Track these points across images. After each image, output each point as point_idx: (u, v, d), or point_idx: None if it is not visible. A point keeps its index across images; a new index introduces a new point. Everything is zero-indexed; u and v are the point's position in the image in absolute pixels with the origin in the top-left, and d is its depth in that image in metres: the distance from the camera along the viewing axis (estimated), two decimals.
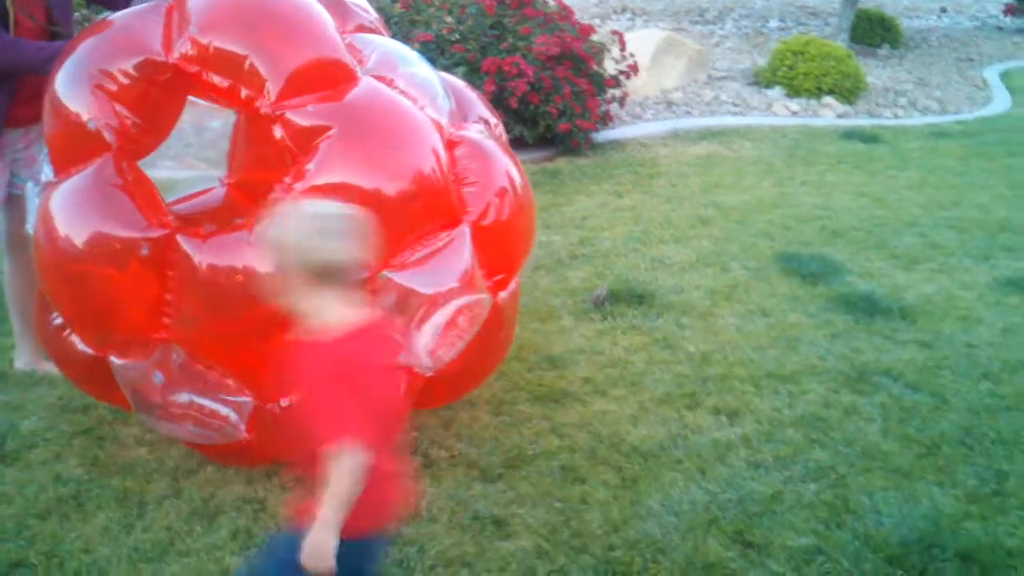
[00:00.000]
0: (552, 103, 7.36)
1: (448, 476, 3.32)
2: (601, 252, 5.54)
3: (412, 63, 3.32)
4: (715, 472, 3.37)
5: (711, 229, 5.97)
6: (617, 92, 8.15)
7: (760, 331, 4.50)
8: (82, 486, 3.25)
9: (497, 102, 7.04)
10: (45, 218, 2.96)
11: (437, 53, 7.31)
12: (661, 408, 3.80)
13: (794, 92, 9.81)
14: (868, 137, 8.55)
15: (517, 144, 7.31)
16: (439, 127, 3.16)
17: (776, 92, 9.89)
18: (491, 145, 3.35)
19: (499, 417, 3.70)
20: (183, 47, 2.95)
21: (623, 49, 8.20)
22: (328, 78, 2.99)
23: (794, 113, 9.45)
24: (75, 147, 3.00)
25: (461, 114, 3.41)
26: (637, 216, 6.20)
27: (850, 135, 8.60)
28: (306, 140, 2.87)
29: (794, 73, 9.83)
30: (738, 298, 4.89)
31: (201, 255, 2.83)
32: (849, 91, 9.77)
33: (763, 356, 4.24)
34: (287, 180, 2.86)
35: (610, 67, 8.04)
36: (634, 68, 8.18)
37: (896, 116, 9.73)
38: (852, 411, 3.78)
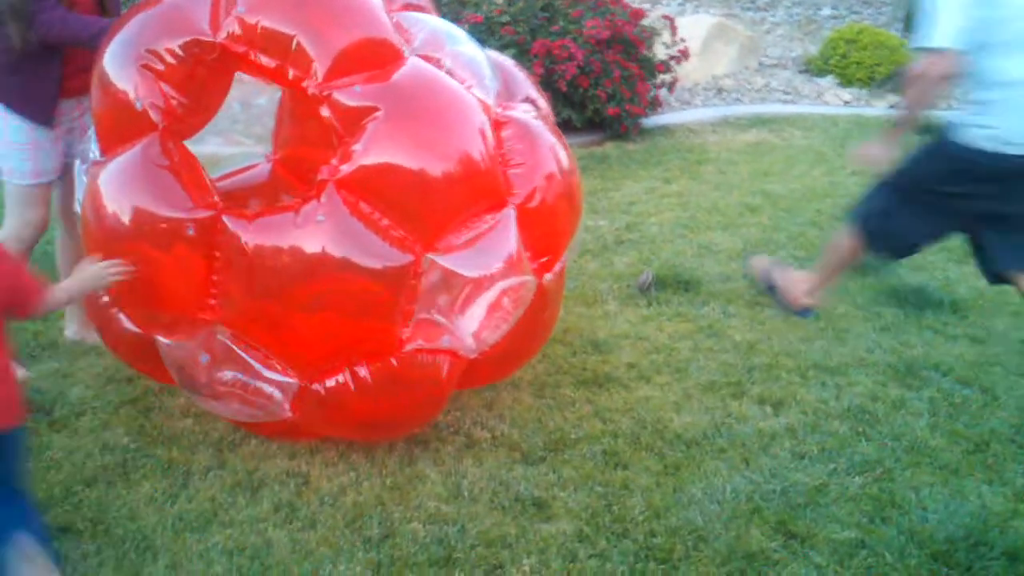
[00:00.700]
0: (601, 87, 7.31)
1: (490, 457, 3.32)
2: (648, 238, 5.51)
3: (459, 42, 3.29)
4: (759, 462, 3.34)
5: (759, 217, 5.91)
6: (667, 77, 8.08)
7: (807, 321, 4.44)
8: (128, 455, 3.28)
9: (546, 85, 7.01)
10: (93, 196, 2.97)
11: (487, 35, 7.28)
12: (705, 396, 3.77)
13: (846, 81, 9.68)
14: (921, 128, 8.39)
15: (565, 128, 7.26)
16: (486, 107, 3.13)
17: (828, 81, 9.77)
18: (538, 125, 3.31)
19: (542, 400, 3.69)
20: (230, 27, 2.94)
21: (674, 34, 8.12)
22: (375, 58, 2.97)
23: (846, 102, 9.33)
24: (122, 125, 3.00)
25: (508, 94, 3.38)
26: (684, 202, 6.15)
27: None
28: (353, 121, 2.86)
29: (847, 62, 9.70)
30: None
31: (247, 236, 2.83)
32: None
33: (810, 347, 4.20)
34: (333, 161, 2.85)
35: (660, 52, 7.97)
36: (685, 53, 8.11)
37: (950, 107, 9.55)
38: (900, 405, 3.72)
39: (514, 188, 3.13)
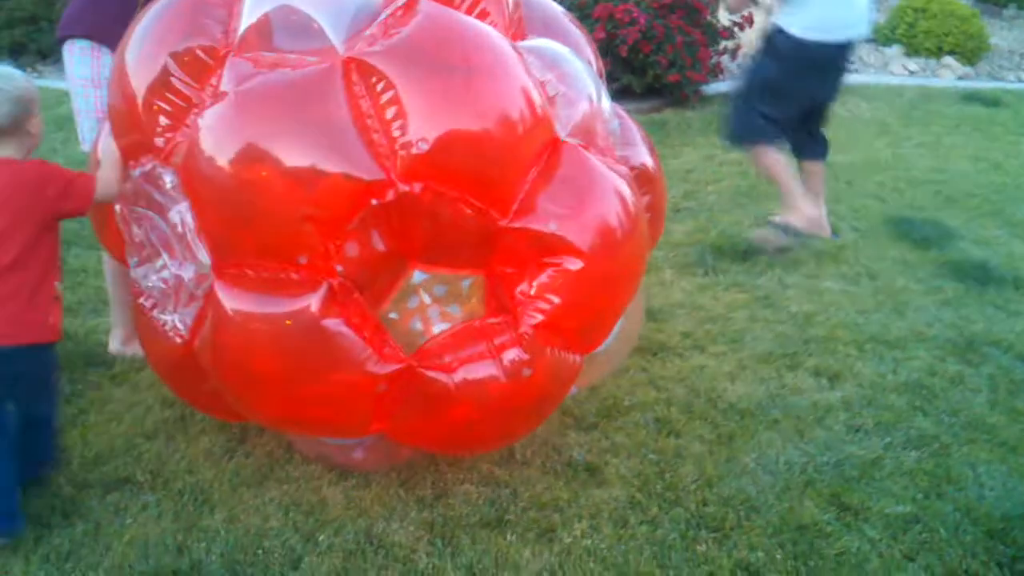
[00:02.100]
0: (663, 53, 7.24)
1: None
2: (706, 206, 5.47)
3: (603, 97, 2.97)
4: (813, 434, 3.32)
5: None
6: (730, 44, 7.98)
7: (866, 294, 4.40)
8: (187, 409, 3.34)
9: (606, 50, 6.97)
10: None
11: None
12: (760, 366, 3.75)
13: (913, 51, 9.50)
14: (989, 100, 8.24)
15: (624, 94, 7.25)
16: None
17: (894, 50, 9.59)
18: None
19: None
20: None
21: None
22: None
23: (912, 73, 9.16)
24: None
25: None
26: (743, 171, 6.08)
27: (970, 98, 8.30)
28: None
29: (914, 31, 9.51)
30: (844, 259, 4.78)
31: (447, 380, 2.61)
32: (972, 52, 9.42)
33: (868, 320, 4.15)
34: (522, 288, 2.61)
35: (724, 18, 7.87)
36: (749, 20, 7.98)
37: (1021, 80, 9.35)
38: (958, 381, 3.68)
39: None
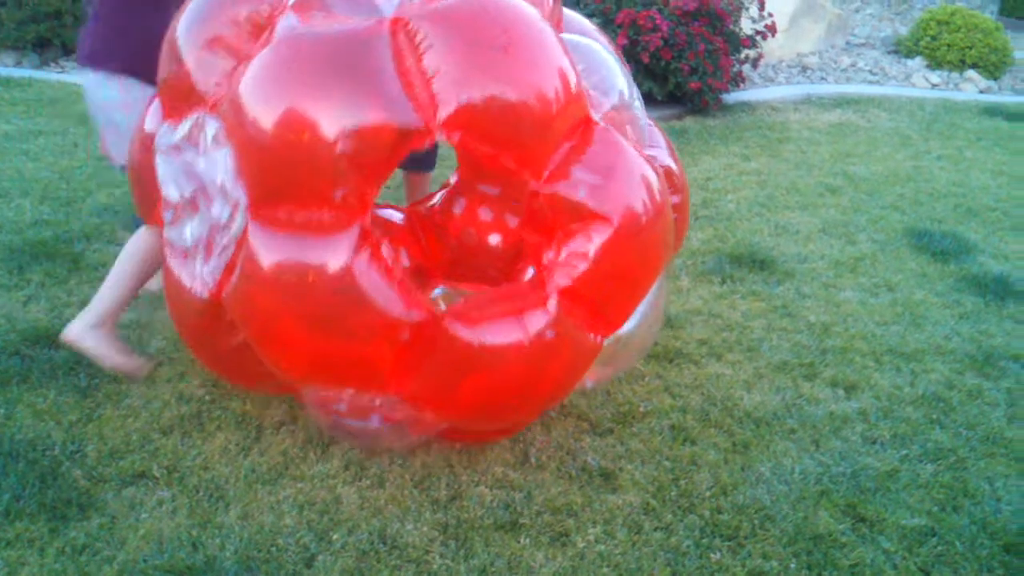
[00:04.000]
0: (685, 60, 7.24)
1: (558, 426, 3.33)
2: (724, 214, 5.46)
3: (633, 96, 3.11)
4: (829, 444, 3.31)
5: (839, 199, 5.82)
6: (752, 53, 7.97)
7: (884, 306, 4.38)
8: (203, 406, 3.35)
9: (629, 56, 6.97)
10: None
11: (571, 3, 7.24)
12: (777, 376, 3.74)
13: (935, 64, 9.47)
14: (1012, 115, 8.21)
15: (645, 101, 7.21)
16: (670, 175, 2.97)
17: (916, 62, 9.56)
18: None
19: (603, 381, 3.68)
20: None
21: (762, 8, 8.00)
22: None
23: (934, 85, 9.13)
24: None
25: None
26: (763, 181, 6.08)
27: (992, 111, 8.26)
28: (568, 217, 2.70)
29: (937, 44, 9.48)
30: (863, 271, 4.77)
31: (470, 336, 2.67)
32: (994, 66, 9.38)
33: (886, 331, 4.14)
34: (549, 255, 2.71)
35: (746, 27, 7.87)
36: (772, 29, 7.98)
37: None
38: (976, 394, 3.66)
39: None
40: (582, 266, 2.61)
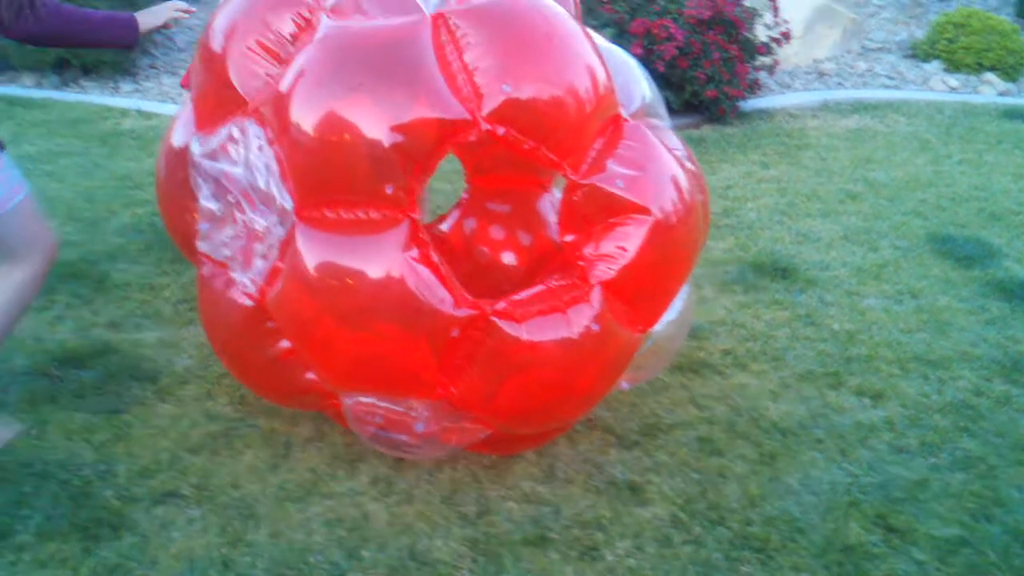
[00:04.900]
0: (700, 68, 7.23)
1: (584, 439, 3.33)
2: (745, 223, 5.45)
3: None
4: (857, 454, 3.29)
5: (860, 205, 5.80)
6: (767, 60, 7.95)
7: (909, 313, 4.36)
8: (231, 424, 3.36)
9: (644, 66, 6.94)
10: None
11: (585, 14, 7.24)
12: (802, 385, 3.72)
13: (953, 67, 9.41)
14: None
15: None
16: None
17: (934, 66, 9.51)
18: None
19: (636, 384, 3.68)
20: None
21: (776, 15, 7.97)
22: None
23: (952, 89, 9.08)
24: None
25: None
26: (783, 188, 6.07)
27: (1012, 114, 8.21)
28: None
29: (954, 47, 9.43)
30: (887, 278, 4.75)
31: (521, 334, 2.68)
32: (1012, 68, 9.32)
33: (911, 339, 4.12)
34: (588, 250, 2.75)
35: (761, 34, 7.85)
36: (787, 35, 7.95)
37: None
38: (1005, 401, 3.64)
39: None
40: (623, 258, 2.66)
